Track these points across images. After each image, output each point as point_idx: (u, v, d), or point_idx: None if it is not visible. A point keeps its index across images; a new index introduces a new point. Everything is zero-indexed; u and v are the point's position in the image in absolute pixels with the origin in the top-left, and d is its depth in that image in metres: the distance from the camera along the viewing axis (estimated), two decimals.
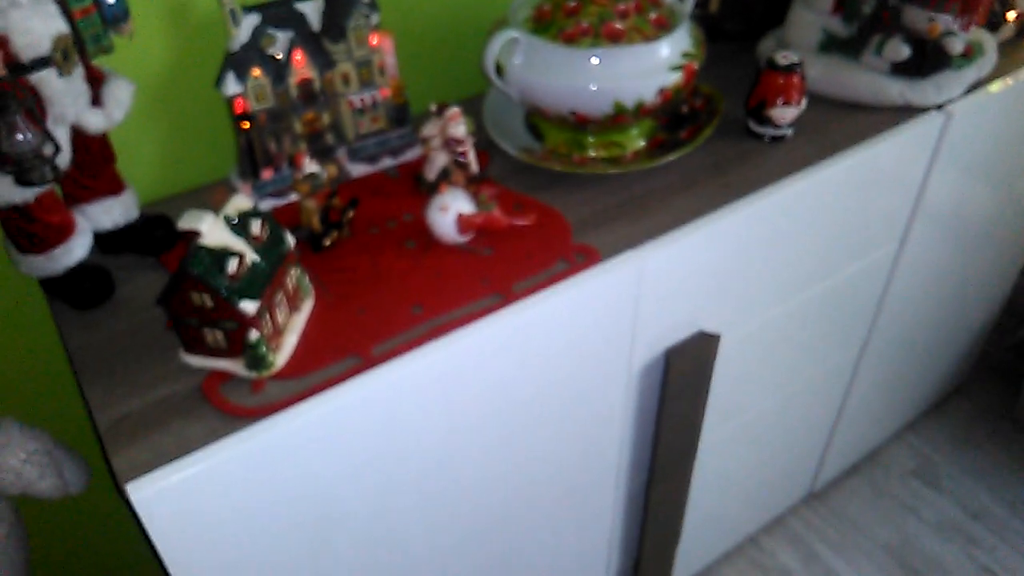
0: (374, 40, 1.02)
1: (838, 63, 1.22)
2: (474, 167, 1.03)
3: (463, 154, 1.02)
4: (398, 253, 0.96)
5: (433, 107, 1.02)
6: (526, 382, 0.97)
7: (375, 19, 1.02)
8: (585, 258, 0.95)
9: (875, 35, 1.19)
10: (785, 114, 1.10)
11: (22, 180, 0.77)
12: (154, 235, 0.95)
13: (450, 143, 1.01)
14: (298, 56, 0.99)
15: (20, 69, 0.75)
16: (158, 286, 0.92)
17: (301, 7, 0.99)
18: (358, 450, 0.85)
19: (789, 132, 1.13)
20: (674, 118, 1.14)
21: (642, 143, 1.10)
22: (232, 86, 0.96)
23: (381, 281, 0.93)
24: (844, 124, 1.17)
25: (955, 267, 1.60)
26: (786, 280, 1.22)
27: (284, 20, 0.98)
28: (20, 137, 0.74)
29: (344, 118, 1.06)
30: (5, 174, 0.77)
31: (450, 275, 0.93)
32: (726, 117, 1.16)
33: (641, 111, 1.01)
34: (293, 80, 1.00)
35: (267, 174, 1.02)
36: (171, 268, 0.94)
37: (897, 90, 1.18)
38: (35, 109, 0.76)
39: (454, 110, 1.00)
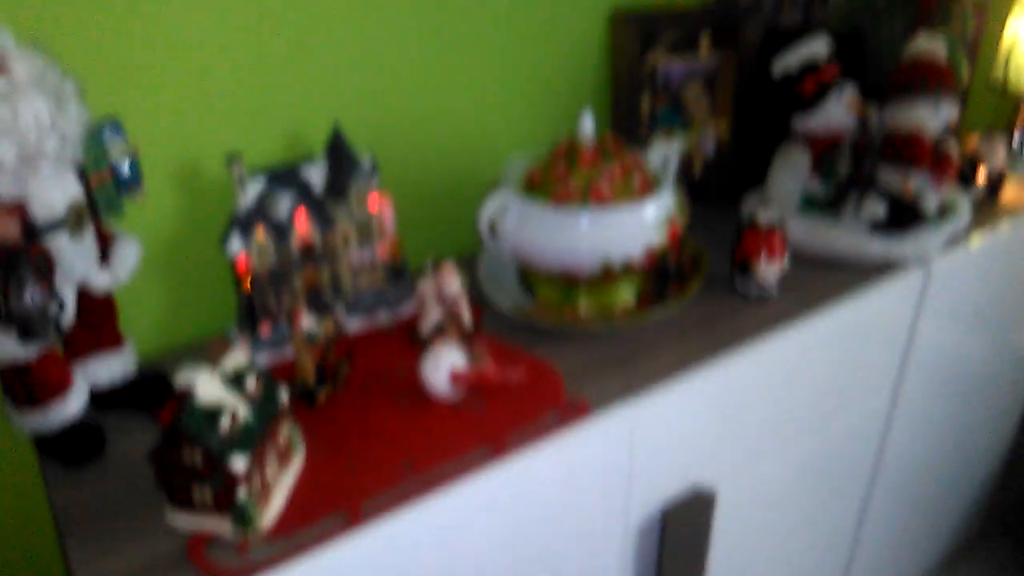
0: (374, 201, 1.08)
1: (818, 222, 1.28)
2: (467, 322, 1.06)
3: (456, 310, 1.05)
4: (391, 407, 0.97)
5: (428, 264, 1.06)
6: (518, 538, 0.95)
7: (375, 181, 1.07)
8: (577, 411, 0.95)
9: (852, 195, 1.25)
10: (768, 271, 1.14)
11: (25, 337, 0.79)
12: (149, 392, 0.96)
13: (444, 299, 1.04)
14: (301, 217, 1.04)
15: (34, 233, 0.79)
16: (150, 443, 0.92)
17: (305, 172, 1.05)
18: None
19: (772, 289, 1.16)
20: (662, 275, 1.18)
21: (631, 299, 1.13)
22: (236, 245, 1.00)
23: (373, 436, 0.93)
24: (827, 280, 1.21)
25: (952, 417, 1.59)
26: (779, 433, 1.21)
27: (289, 184, 1.04)
28: (28, 297, 0.77)
29: (342, 275, 1.09)
30: (8, 330, 0.79)
31: (442, 429, 0.93)
32: (712, 274, 1.20)
33: (629, 269, 1.05)
34: (295, 240, 1.04)
35: (266, 329, 1.05)
36: (161, 424, 0.95)
37: (876, 247, 1.23)
38: (45, 269, 0.79)
39: (447, 267, 1.04)
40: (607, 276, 1.05)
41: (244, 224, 1.01)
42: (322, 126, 1.15)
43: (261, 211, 1.02)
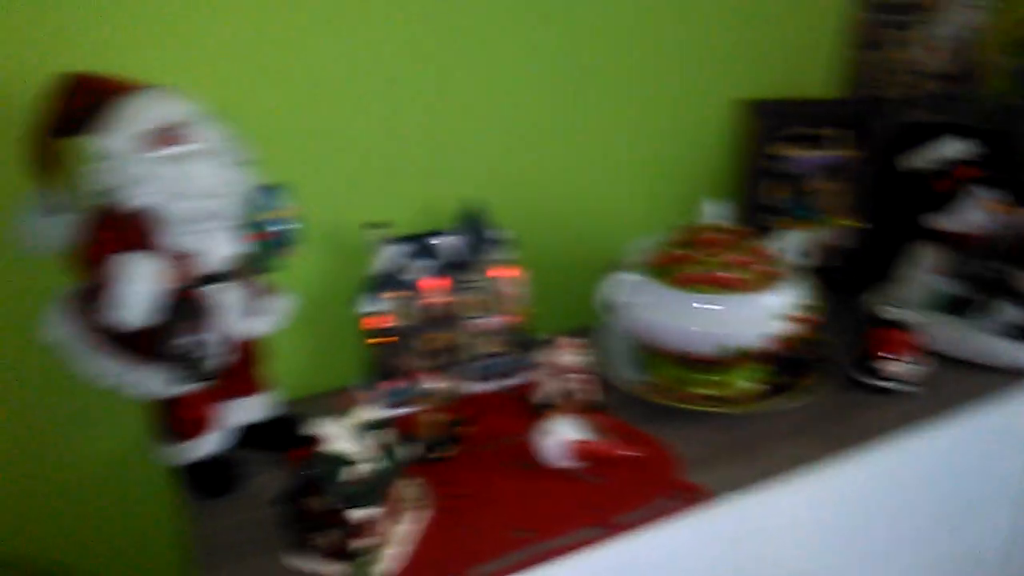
0: (503, 272, 1.13)
1: (947, 322, 1.24)
2: (584, 395, 1.08)
3: (573, 381, 1.07)
4: (506, 472, 0.99)
5: (548, 335, 1.09)
6: None
7: (508, 254, 1.13)
8: (689, 495, 0.95)
9: (984, 297, 1.21)
10: (895, 368, 1.12)
11: (180, 378, 0.87)
12: (283, 434, 1.03)
13: (561, 370, 1.07)
14: (431, 283, 1.10)
15: (195, 282, 0.87)
16: (277, 483, 0.98)
17: (438, 241, 1.12)
18: None
19: (898, 386, 1.13)
20: (785, 364, 1.17)
21: (750, 385, 1.13)
22: (369, 306, 1.07)
23: (486, 499, 0.95)
24: (956, 382, 1.17)
25: None
26: (901, 539, 1.16)
27: (423, 251, 1.11)
28: (183, 342, 0.85)
29: (467, 339, 1.14)
30: (160, 369, 0.87)
31: (554, 500, 0.95)
32: (836, 367, 1.18)
33: (748, 355, 1.05)
34: (423, 303, 1.10)
35: (391, 386, 1.10)
36: (291, 467, 1.00)
37: (1007, 353, 1.18)
38: (200, 316, 0.87)
39: (566, 340, 1.07)
40: (724, 361, 1.06)
41: (376, 286, 1.08)
42: (455, 199, 1.21)
43: (394, 274, 1.08)
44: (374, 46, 1.13)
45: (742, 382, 1.13)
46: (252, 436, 1.03)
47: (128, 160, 0.81)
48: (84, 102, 0.84)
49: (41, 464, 1.09)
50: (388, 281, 1.08)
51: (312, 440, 0.84)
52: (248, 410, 1.01)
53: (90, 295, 0.87)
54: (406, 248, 1.11)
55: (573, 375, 1.08)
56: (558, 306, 1.36)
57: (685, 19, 1.37)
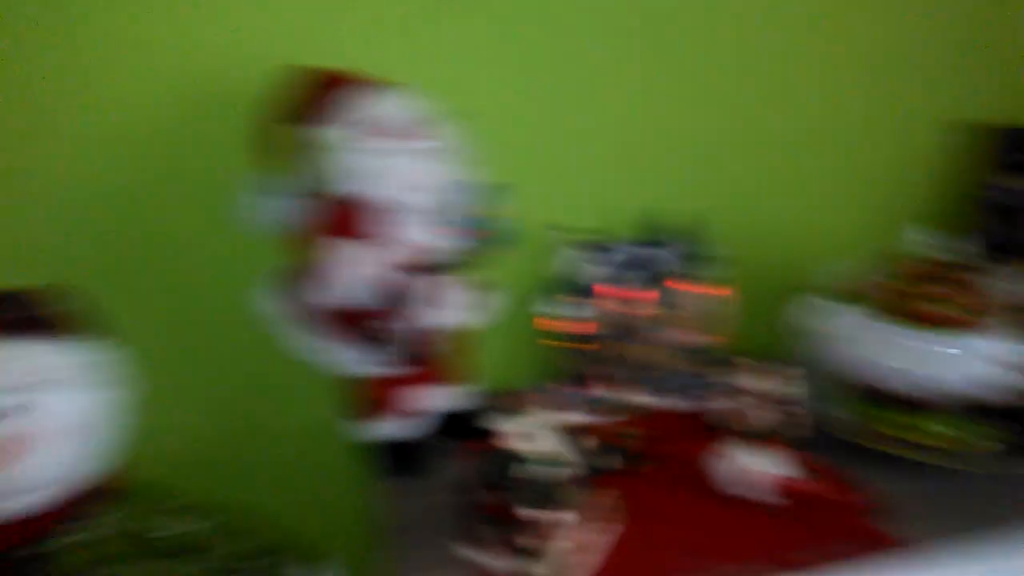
0: (712, 290, 1.11)
1: None
2: (776, 425, 1.04)
3: (766, 409, 1.04)
4: (686, 494, 0.98)
5: (742, 358, 1.06)
6: None
7: (715, 271, 1.11)
8: (881, 543, 0.89)
9: None
10: None
11: (380, 360, 0.93)
12: (469, 425, 1.07)
13: (754, 396, 1.03)
14: (633, 292, 1.10)
15: (404, 271, 0.92)
16: (466, 472, 1.02)
17: (641, 249, 1.12)
18: None
19: None
20: (1012, 416, 1.06)
21: (959, 434, 1.04)
22: (567, 308, 1.09)
23: (663, 518, 0.94)
24: None
25: None
26: None
27: (628, 259, 1.11)
28: (394, 324, 0.90)
29: (659, 353, 1.13)
30: (368, 350, 0.93)
31: (734, 529, 0.92)
32: None
33: (958, 403, 0.97)
34: (622, 311, 1.10)
35: (578, 391, 1.11)
36: (473, 459, 1.04)
37: None
38: (413, 304, 0.92)
39: (759, 366, 1.03)
40: (928, 405, 0.98)
41: (576, 290, 1.09)
42: (664, 208, 1.21)
43: (595, 281, 1.10)
44: (581, 54, 1.15)
45: (949, 430, 1.04)
46: (444, 424, 1.08)
47: (353, 151, 0.88)
48: (318, 93, 0.90)
49: (246, 431, 1.19)
50: (585, 287, 1.10)
51: (502, 437, 0.87)
52: (441, 398, 1.06)
53: (303, 274, 0.95)
54: (607, 255, 1.11)
55: (766, 402, 1.04)
56: (747, 327, 1.32)
57: (900, 37, 1.30)
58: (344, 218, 0.90)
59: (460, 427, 1.07)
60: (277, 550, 1.02)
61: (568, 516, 0.87)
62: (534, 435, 0.87)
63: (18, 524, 0.86)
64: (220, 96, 1.06)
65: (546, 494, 0.83)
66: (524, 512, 0.82)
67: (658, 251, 1.13)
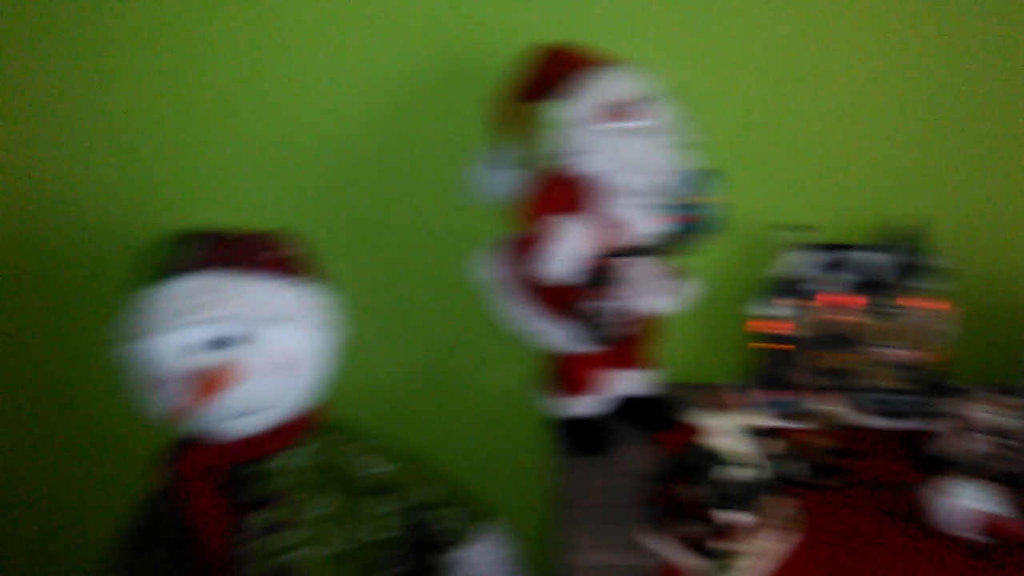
0: (930, 303, 1.01)
1: None
2: (994, 458, 0.93)
3: (987, 443, 0.93)
4: (880, 519, 0.91)
5: (965, 385, 0.96)
6: None
7: (937, 284, 1.01)
8: None
9: None
10: None
11: (580, 337, 0.92)
12: (659, 414, 1.04)
13: (974, 427, 0.93)
14: (842, 298, 1.02)
15: (622, 253, 0.91)
16: (646, 459, 1.00)
17: (859, 256, 1.03)
18: None
19: None
20: None
21: None
22: (768, 308, 1.03)
23: (851, 541, 0.88)
24: None
25: None
26: None
27: (838, 263, 1.03)
28: (601, 305, 0.89)
29: (868, 367, 1.05)
30: (574, 328, 0.92)
31: (933, 567, 0.84)
32: None
33: None
34: (828, 318, 1.03)
35: (777, 396, 1.06)
36: (662, 448, 1.01)
37: None
38: (616, 285, 0.90)
39: (984, 393, 0.93)
40: None
41: (781, 290, 1.03)
42: (882, 212, 1.11)
43: (801, 281, 1.03)
44: (812, 36, 1.08)
45: None
46: (628, 408, 1.06)
47: (583, 129, 0.87)
48: (555, 71, 0.90)
49: (441, 387, 1.23)
50: (790, 287, 1.03)
51: (688, 428, 0.84)
52: (632, 382, 1.04)
53: (522, 246, 0.96)
54: (817, 256, 1.04)
55: (988, 436, 0.93)
56: (977, 351, 1.18)
57: None
58: (565, 194, 0.90)
59: (647, 414, 1.05)
60: (453, 503, 1.05)
61: (754, 520, 0.83)
62: (731, 435, 0.83)
63: (234, 445, 0.94)
64: (461, 71, 1.09)
65: (740, 497, 0.80)
66: (718, 513, 0.78)
67: (873, 255, 1.04)
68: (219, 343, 0.88)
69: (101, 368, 1.10)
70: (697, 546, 0.82)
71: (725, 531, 0.79)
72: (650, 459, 1.00)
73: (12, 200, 1.12)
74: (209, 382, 0.86)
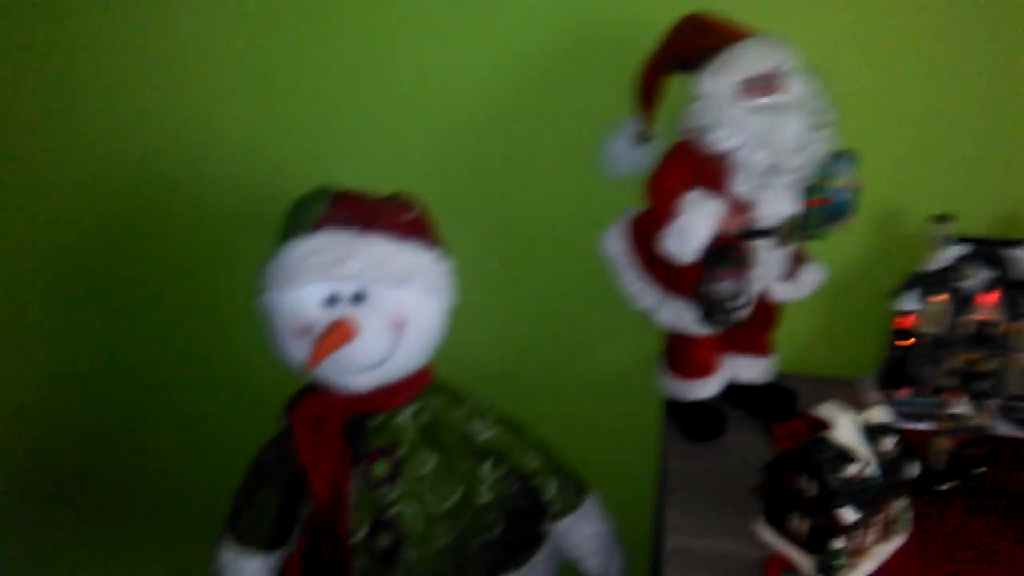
0: None
1: None
2: None
3: None
4: (997, 530, 0.85)
5: None
6: None
7: None
8: None
9: None
10: None
11: (705, 320, 0.89)
12: (775, 404, 1.01)
13: None
14: (989, 297, 0.95)
15: (748, 234, 0.87)
16: (758, 448, 0.97)
17: (1003, 252, 0.96)
18: None
19: None
20: None
21: None
22: (909, 303, 0.97)
23: (961, 550, 0.83)
24: None
25: None
26: None
27: (989, 259, 0.96)
28: (723, 286, 0.86)
29: (1011, 372, 0.98)
30: (694, 309, 0.90)
31: None
32: None
33: None
34: (972, 317, 0.96)
35: (905, 393, 1.00)
36: (776, 438, 0.98)
37: None
38: (744, 267, 0.87)
39: None
40: None
41: (925, 285, 0.97)
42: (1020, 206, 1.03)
43: (948, 277, 0.96)
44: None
45: None
46: (744, 395, 1.03)
47: (723, 104, 0.83)
48: (700, 43, 0.87)
49: (560, 364, 1.23)
50: (940, 282, 0.97)
51: (806, 420, 0.81)
52: (750, 369, 1.01)
53: (647, 222, 0.94)
54: (955, 249, 0.97)
55: None
56: None
57: None
58: (696, 170, 0.87)
59: (763, 403, 1.02)
60: (556, 473, 1.05)
61: (867, 519, 0.79)
62: (852, 431, 0.79)
63: (349, 399, 0.97)
64: (599, 39, 1.07)
65: (856, 495, 0.76)
66: (833, 509, 0.75)
67: (1017, 252, 0.96)
68: (339, 300, 0.91)
69: (240, 317, 1.17)
70: (808, 541, 0.79)
71: (837, 527, 0.76)
72: (763, 449, 0.97)
73: (148, 157, 1.17)
74: (328, 337, 0.89)
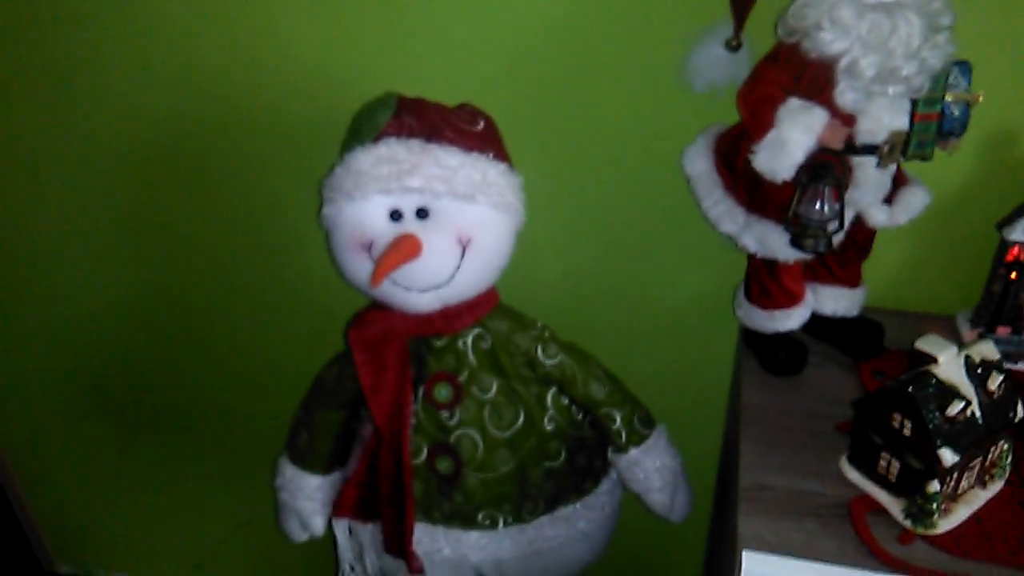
0: None
1: None
2: None
3: None
4: None
5: None
6: None
7: None
8: None
9: None
10: None
11: (796, 243, 0.82)
12: (862, 338, 0.94)
13: None
14: None
15: (850, 150, 0.79)
16: (841, 384, 0.91)
17: None
18: None
19: None
20: None
21: None
22: (1018, 233, 0.88)
23: None
24: None
25: None
26: None
27: None
28: (818, 207, 0.79)
29: None
30: (785, 231, 0.83)
31: None
32: None
33: None
34: None
35: (1003, 331, 0.92)
36: (862, 375, 0.92)
37: None
38: (843, 187, 0.79)
39: None
40: None
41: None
42: None
43: None
44: None
45: None
46: (827, 328, 0.96)
47: (830, 1, 0.75)
48: None
49: (632, 292, 1.16)
50: None
51: (900, 357, 0.75)
52: (837, 300, 0.94)
53: (735, 137, 0.87)
54: None
55: None
56: None
57: None
58: (793, 79, 0.79)
59: (852, 337, 0.95)
60: (623, 404, 1.01)
61: (963, 462, 0.73)
62: (952, 369, 0.73)
63: (412, 319, 0.93)
64: None
65: (954, 436, 0.70)
66: (929, 450, 0.70)
67: None
68: (404, 215, 0.88)
69: (307, 232, 1.15)
70: (898, 483, 0.74)
71: (934, 470, 0.70)
72: (846, 386, 0.91)
73: (218, 65, 1.13)
74: (391, 252, 0.86)
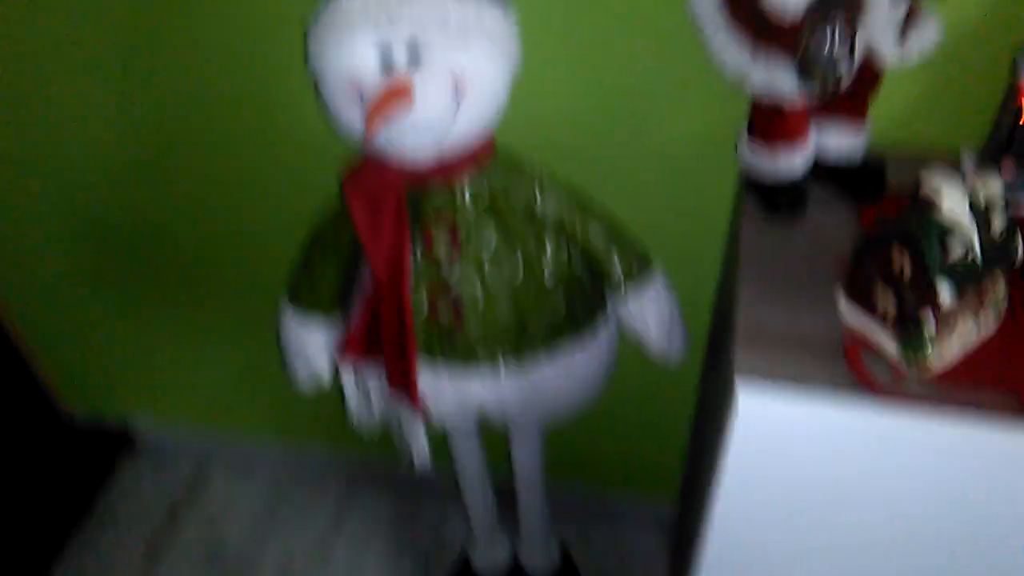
0: None
1: None
2: None
3: None
4: None
5: None
6: None
7: None
8: None
9: None
10: None
11: (803, 80, 0.80)
12: (868, 181, 0.93)
13: None
14: None
15: None
16: (840, 230, 0.91)
17: None
18: (956, 492, 0.76)
19: None
20: None
21: None
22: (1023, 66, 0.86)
23: None
24: None
25: None
26: None
27: None
28: (827, 43, 0.76)
29: None
30: (790, 67, 0.80)
31: None
32: None
33: None
34: None
35: (1009, 171, 0.91)
36: (864, 219, 0.92)
37: None
38: (854, 22, 0.76)
39: None
40: None
41: None
42: None
43: None
44: None
45: None
46: (832, 171, 0.95)
47: None
48: None
49: (635, 132, 1.14)
50: None
51: (903, 197, 0.74)
52: (843, 139, 0.92)
53: None
54: None
55: None
56: None
57: None
58: None
59: (856, 180, 0.94)
60: (622, 248, 1.02)
61: (961, 299, 0.74)
62: (955, 206, 0.73)
63: (408, 168, 0.92)
64: None
65: (954, 273, 0.71)
66: (927, 287, 0.70)
67: None
68: (395, 64, 0.84)
69: (298, 77, 1.10)
70: (897, 320, 0.75)
71: (929, 306, 0.72)
72: (846, 231, 0.91)
73: None
74: (383, 99, 0.83)
